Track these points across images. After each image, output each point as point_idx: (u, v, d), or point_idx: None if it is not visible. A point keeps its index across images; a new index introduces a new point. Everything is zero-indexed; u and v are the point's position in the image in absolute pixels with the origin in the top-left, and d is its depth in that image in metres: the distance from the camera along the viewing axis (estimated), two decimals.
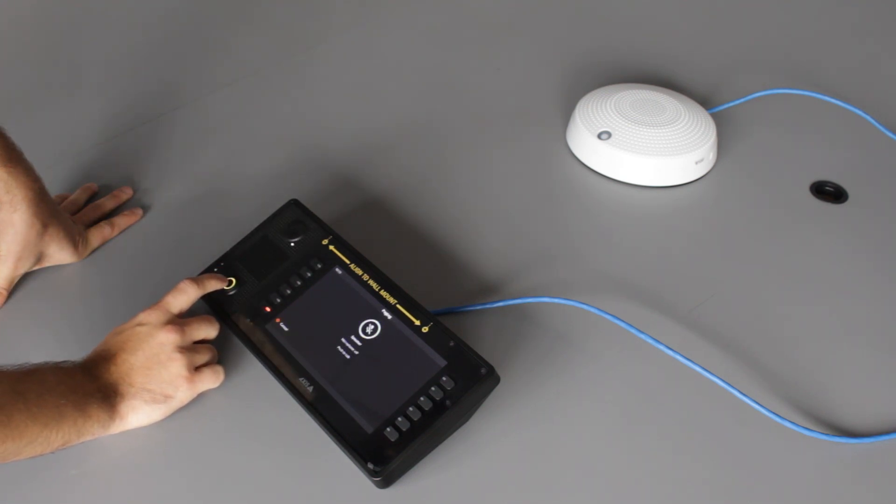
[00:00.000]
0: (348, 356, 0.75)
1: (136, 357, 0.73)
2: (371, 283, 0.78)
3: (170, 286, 0.83)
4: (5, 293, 0.85)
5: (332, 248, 0.82)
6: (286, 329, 0.78)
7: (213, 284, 0.81)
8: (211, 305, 0.82)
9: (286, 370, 0.75)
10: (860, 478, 0.72)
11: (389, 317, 0.76)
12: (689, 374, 0.78)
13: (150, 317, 0.75)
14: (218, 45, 1.24)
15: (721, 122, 1.07)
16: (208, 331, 0.79)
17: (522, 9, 1.32)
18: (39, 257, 0.86)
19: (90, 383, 0.71)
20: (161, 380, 0.73)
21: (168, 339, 0.74)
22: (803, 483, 0.72)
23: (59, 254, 0.87)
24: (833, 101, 1.11)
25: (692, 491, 0.71)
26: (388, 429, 0.69)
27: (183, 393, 0.74)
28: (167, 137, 1.07)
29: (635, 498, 0.71)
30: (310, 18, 1.30)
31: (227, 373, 0.78)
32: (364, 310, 0.77)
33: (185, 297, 0.78)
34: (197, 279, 0.80)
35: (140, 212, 0.95)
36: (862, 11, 1.32)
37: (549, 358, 0.80)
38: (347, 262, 0.81)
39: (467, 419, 0.74)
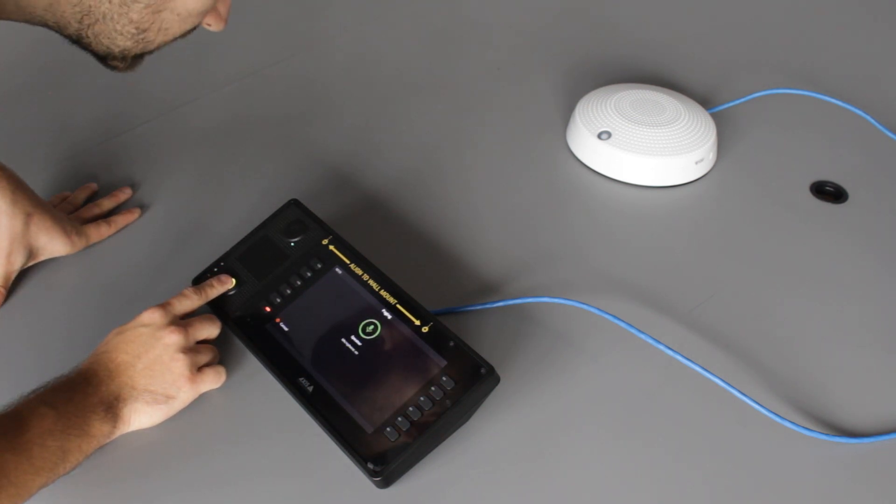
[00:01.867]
0: (348, 356, 0.75)
1: (140, 359, 0.73)
2: (371, 283, 0.78)
3: (169, 286, 0.83)
4: (3, 291, 0.84)
5: (332, 247, 0.82)
6: (286, 329, 0.78)
7: (216, 291, 0.81)
8: (211, 305, 0.82)
9: (286, 370, 0.75)
10: (860, 478, 0.72)
11: (389, 317, 0.76)
12: (689, 374, 0.78)
13: (154, 317, 0.75)
14: (218, 45, 1.24)
15: (721, 122, 1.07)
16: (210, 330, 0.79)
17: (522, 9, 1.32)
18: (31, 251, 0.85)
19: (91, 395, 0.70)
20: (164, 381, 0.73)
21: (172, 340, 0.74)
22: (803, 483, 0.72)
23: (51, 245, 0.86)
24: (833, 101, 1.11)
25: (692, 490, 0.71)
26: (388, 429, 0.69)
27: (185, 394, 0.74)
28: (167, 137, 1.07)
29: (635, 498, 0.71)
30: (310, 18, 1.30)
31: (228, 373, 0.78)
32: (364, 310, 0.77)
33: (188, 301, 0.79)
34: (199, 288, 0.80)
35: (138, 211, 0.95)
36: (862, 11, 1.32)
37: (549, 358, 0.80)
38: (347, 261, 0.81)
39: (467, 419, 0.74)
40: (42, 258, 0.87)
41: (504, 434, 0.75)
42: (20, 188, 0.83)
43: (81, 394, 0.70)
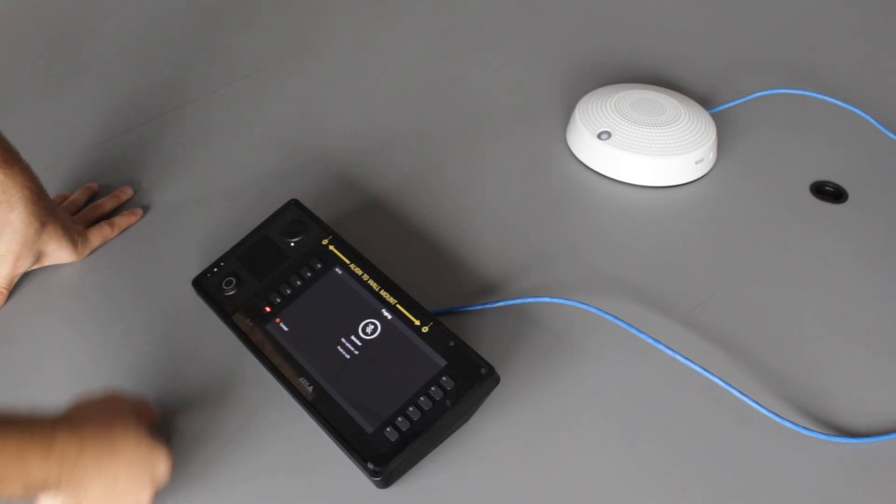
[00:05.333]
0: (348, 356, 0.75)
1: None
2: (371, 283, 0.78)
3: (170, 286, 0.83)
4: (6, 292, 0.85)
5: (332, 248, 0.82)
6: (286, 329, 0.78)
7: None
8: (211, 305, 0.82)
9: (286, 370, 0.75)
10: (860, 478, 0.72)
11: (389, 317, 0.76)
12: (689, 374, 0.78)
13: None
14: (217, 46, 1.24)
15: (721, 122, 1.07)
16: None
17: (522, 9, 1.32)
18: (38, 256, 0.86)
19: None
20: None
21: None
22: (803, 483, 0.72)
23: (58, 252, 0.87)
24: (833, 101, 1.11)
25: (692, 490, 0.71)
26: (388, 429, 0.69)
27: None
28: (167, 137, 1.07)
29: (635, 497, 0.71)
30: (310, 18, 1.30)
31: (228, 373, 0.78)
32: (364, 310, 0.77)
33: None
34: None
35: (140, 211, 0.95)
36: (862, 11, 1.32)
37: (549, 358, 0.81)
38: (347, 262, 0.81)
39: (467, 419, 0.74)
40: (46, 263, 0.88)
41: (504, 434, 0.75)
42: (42, 198, 0.84)
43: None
